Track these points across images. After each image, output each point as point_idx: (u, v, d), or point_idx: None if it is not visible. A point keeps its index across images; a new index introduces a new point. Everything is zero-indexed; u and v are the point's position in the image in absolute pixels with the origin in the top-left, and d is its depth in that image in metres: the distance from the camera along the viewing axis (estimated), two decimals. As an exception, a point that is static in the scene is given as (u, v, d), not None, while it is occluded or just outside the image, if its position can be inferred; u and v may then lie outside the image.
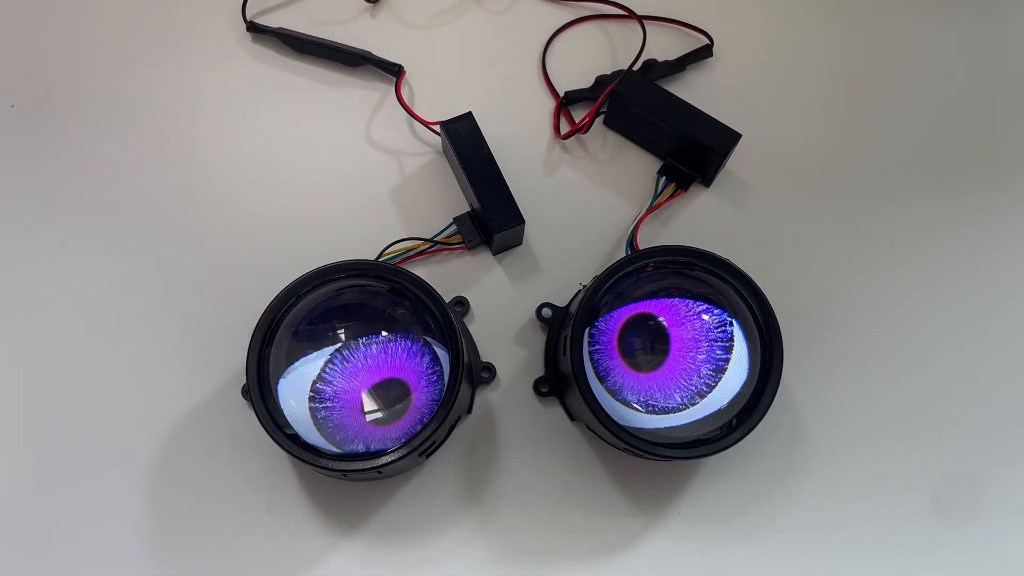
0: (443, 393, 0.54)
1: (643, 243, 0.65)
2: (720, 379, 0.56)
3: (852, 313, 0.65)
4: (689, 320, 0.57)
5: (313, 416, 0.55)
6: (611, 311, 0.57)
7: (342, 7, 0.73)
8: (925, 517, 0.60)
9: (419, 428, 0.53)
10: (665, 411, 0.56)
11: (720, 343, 0.56)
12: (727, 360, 0.56)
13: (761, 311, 0.56)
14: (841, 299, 0.66)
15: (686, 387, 0.56)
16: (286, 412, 0.54)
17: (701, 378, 0.56)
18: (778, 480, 0.61)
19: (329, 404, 0.55)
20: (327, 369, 0.55)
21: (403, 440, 0.53)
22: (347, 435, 0.55)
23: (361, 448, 0.54)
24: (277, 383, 0.54)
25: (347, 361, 0.56)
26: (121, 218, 0.66)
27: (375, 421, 0.55)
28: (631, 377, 0.56)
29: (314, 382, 0.55)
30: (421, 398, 0.55)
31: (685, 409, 0.56)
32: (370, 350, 0.56)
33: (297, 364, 0.55)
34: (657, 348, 0.57)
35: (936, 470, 0.62)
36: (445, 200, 0.67)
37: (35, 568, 0.58)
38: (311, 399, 0.55)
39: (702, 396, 0.56)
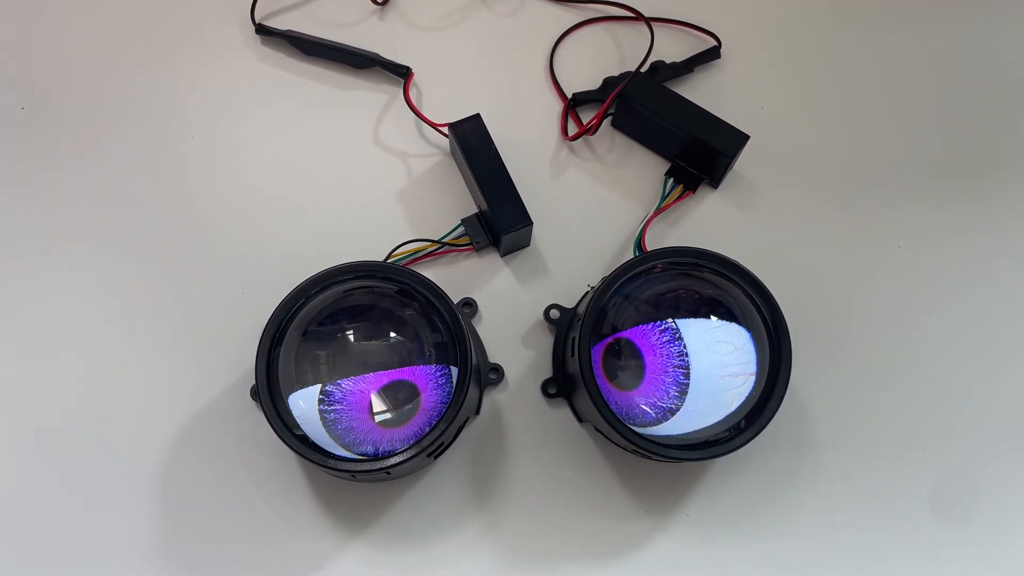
0: (451, 395, 0.54)
1: (651, 244, 0.65)
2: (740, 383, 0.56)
3: (860, 314, 0.65)
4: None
5: (322, 418, 0.55)
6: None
7: (350, 9, 0.74)
8: (934, 518, 0.60)
9: (428, 429, 0.53)
10: (672, 412, 0.56)
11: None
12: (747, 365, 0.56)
13: (769, 312, 0.55)
14: (849, 300, 0.65)
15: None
16: (295, 413, 0.54)
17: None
18: (787, 482, 0.61)
19: (338, 406, 0.55)
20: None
21: (412, 441, 0.53)
22: (356, 436, 0.55)
23: (370, 449, 0.54)
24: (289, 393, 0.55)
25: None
26: (131, 220, 0.66)
27: (384, 422, 0.56)
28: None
29: (323, 385, 0.55)
30: (430, 400, 0.55)
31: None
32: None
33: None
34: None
35: (945, 471, 0.61)
36: (453, 201, 0.67)
37: (43, 567, 0.58)
38: (320, 401, 0.55)
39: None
